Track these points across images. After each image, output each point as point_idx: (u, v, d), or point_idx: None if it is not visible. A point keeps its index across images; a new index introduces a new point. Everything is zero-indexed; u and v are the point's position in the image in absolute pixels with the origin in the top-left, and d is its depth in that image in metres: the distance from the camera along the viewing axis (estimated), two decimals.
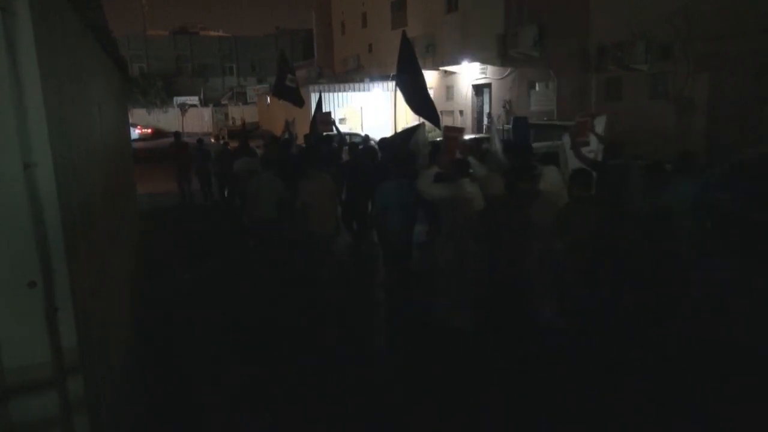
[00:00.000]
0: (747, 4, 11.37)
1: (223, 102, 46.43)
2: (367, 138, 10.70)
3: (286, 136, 10.14)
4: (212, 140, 24.31)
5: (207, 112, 43.22)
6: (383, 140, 9.72)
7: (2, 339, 1.95)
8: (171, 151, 12.91)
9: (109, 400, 2.78)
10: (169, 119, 41.83)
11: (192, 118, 42.02)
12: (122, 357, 3.69)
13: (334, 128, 10.76)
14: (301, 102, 11.02)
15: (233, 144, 13.77)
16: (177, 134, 13.56)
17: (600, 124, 7.98)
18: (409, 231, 5.81)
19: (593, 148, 7.45)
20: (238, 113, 42.57)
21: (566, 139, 7.76)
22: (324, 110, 11.21)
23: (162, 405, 4.34)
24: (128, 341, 4.32)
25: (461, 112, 21.90)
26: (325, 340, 5.30)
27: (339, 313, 5.88)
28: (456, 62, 20.58)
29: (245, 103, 44.99)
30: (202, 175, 12.20)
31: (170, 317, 6.12)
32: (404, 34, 8.82)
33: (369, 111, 24.86)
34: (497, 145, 7.54)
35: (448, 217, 5.17)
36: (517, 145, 7.57)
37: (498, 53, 18.69)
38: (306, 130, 11.29)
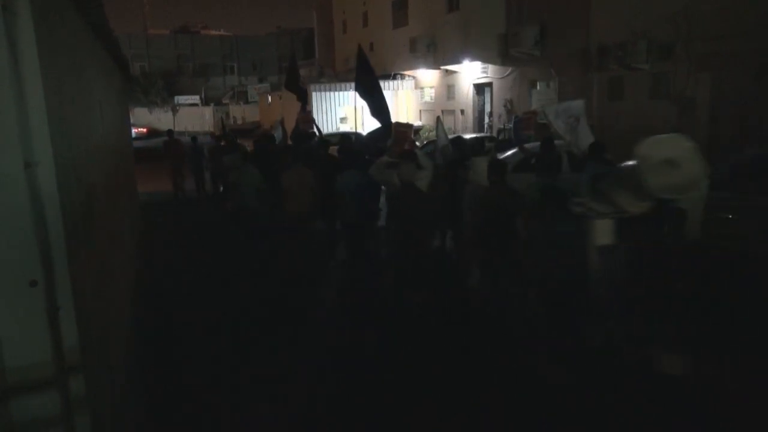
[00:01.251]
0: (748, 4, 11.36)
1: (224, 101, 46.44)
2: (347, 135, 11.40)
3: (275, 133, 10.88)
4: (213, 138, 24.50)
5: (208, 111, 43.23)
6: (358, 138, 10.97)
7: (4, 338, 1.96)
8: (164, 149, 13.48)
9: (110, 399, 2.78)
10: (170, 118, 41.84)
11: (191, 117, 42.03)
12: (123, 356, 3.69)
13: (314, 127, 11.42)
14: (305, 100, 11.94)
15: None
16: (170, 132, 14.24)
17: (576, 109, 8.77)
18: (362, 213, 6.57)
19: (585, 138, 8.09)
20: (239, 112, 42.58)
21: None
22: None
23: (162, 404, 4.34)
24: (129, 340, 4.32)
25: (462, 111, 21.88)
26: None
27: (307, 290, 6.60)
28: (457, 61, 20.57)
29: (246, 102, 44.99)
30: (196, 171, 13.07)
31: (170, 316, 6.12)
32: (360, 49, 9.74)
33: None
34: (445, 141, 8.07)
35: (395, 199, 5.94)
36: (460, 141, 8.47)
37: (499, 52, 18.68)
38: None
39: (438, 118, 10.19)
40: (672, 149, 3.72)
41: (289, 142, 10.56)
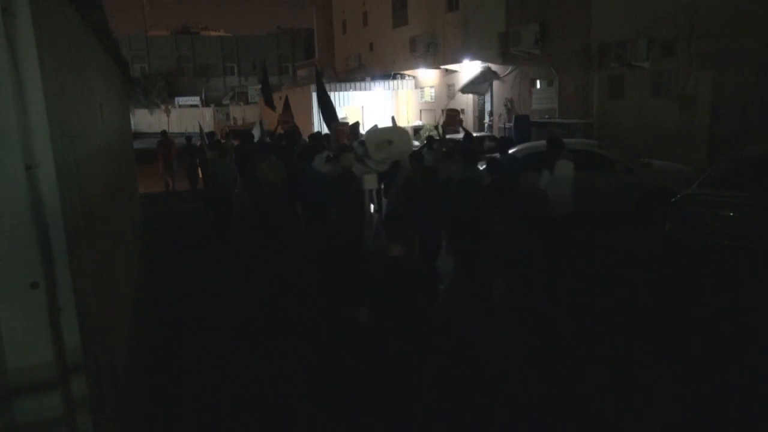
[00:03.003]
0: (750, 2, 11.33)
1: (225, 102, 46.43)
2: (315, 134, 12.89)
3: (254, 131, 12.38)
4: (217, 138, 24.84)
5: (208, 112, 43.22)
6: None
7: (5, 339, 1.96)
8: (158, 148, 15.04)
9: (113, 400, 2.78)
10: (170, 119, 41.84)
11: (191, 118, 42.03)
12: (125, 356, 3.69)
13: (294, 125, 12.68)
14: (273, 107, 13.76)
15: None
16: (164, 133, 15.85)
17: None
18: (321, 198, 7.49)
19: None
20: (240, 113, 42.55)
21: None
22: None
23: (164, 404, 4.34)
24: (131, 340, 4.32)
25: (462, 111, 21.86)
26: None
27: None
28: (457, 61, 20.55)
29: (246, 102, 44.97)
30: (189, 167, 14.72)
31: (172, 315, 6.13)
32: (316, 71, 13.76)
33: (370, 110, 24.85)
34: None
35: (334, 187, 6.79)
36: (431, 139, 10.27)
37: (499, 51, 18.66)
38: (305, 127, 14.08)
39: (392, 117, 11.93)
40: (388, 134, 6.21)
41: (267, 139, 12.02)
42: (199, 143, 13.79)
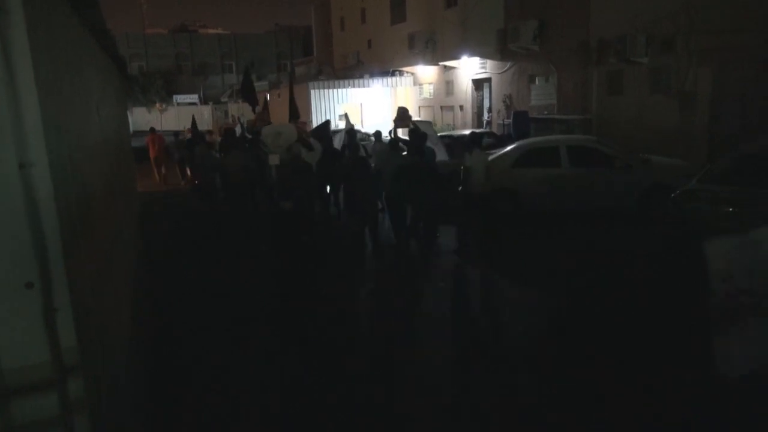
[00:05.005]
0: None
1: (223, 99, 46.30)
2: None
3: (236, 128, 14.22)
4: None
5: (207, 110, 43.12)
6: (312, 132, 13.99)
7: (1, 340, 1.94)
8: (149, 143, 16.81)
9: (110, 399, 2.77)
10: (169, 117, 41.75)
11: (189, 116, 41.95)
12: (123, 356, 3.68)
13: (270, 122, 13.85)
14: (255, 104, 14.35)
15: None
16: (152, 129, 17.81)
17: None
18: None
19: None
20: (238, 111, 42.42)
21: None
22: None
23: (163, 403, 4.33)
24: (129, 340, 4.31)
25: (461, 107, 21.84)
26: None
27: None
28: (456, 57, 20.53)
29: (245, 100, 44.83)
30: (179, 161, 16.26)
31: (170, 314, 6.12)
32: (246, 69, 14.67)
33: (369, 107, 24.82)
34: (349, 127, 12.14)
35: (285, 174, 8.15)
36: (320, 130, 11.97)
37: (498, 48, 18.62)
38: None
39: (345, 114, 13.44)
40: (279, 128, 10.07)
41: (247, 135, 13.27)
42: (181, 137, 15.30)
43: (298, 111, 12.66)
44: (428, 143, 9.92)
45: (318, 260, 8.08)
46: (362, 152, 10.34)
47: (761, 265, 3.28)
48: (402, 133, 11.63)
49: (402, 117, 12.06)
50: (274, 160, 8.96)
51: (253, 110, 13.74)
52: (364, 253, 8.32)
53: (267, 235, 9.05)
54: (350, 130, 11.42)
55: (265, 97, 15.79)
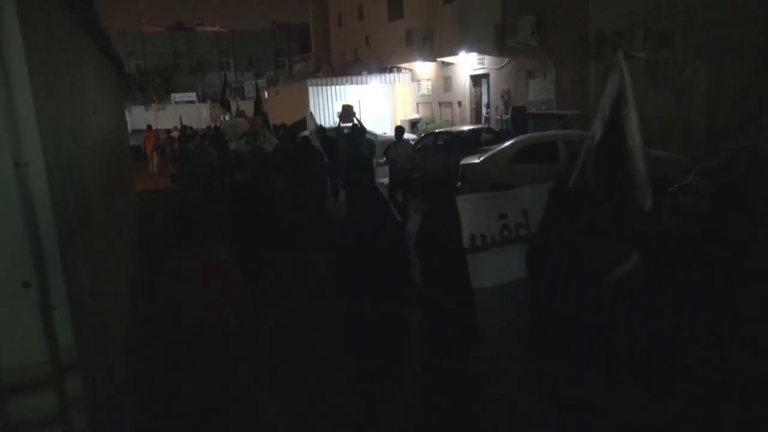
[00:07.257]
0: None
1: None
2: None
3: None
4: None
5: (205, 108, 43.07)
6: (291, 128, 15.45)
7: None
8: (144, 139, 18.75)
9: (108, 398, 2.78)
10: (167, 116, 41.65)
11: (188, 114, 41.87)
12: (121, 354, 3.68)
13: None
14: (229, 108, 17.42)
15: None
16: (149, 127, 19.71)
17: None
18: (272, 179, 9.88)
19: None
20: (236, 108, 42.35)
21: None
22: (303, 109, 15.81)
23: (161, 403, 4.34)
24: (127, 338, 4.31)
25: (459, 103, 21.81)
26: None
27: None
28: (453, 53, 20.48)
29: (243, 98, 44.75)
30: (172, 156, 17.52)
31: (170, 313, 6.11)
32: (225, 77, 18.09)
33: (367, 104, 24.78)
34: (313, 128, 12.48)
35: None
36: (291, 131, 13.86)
37: (496, 43, 18.58)
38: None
39: (310, 113, 14.42)
40: (235, 120, 14.99)
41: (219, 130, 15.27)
42: (176, 134, 17.52)
43: (262, 107, 14.88)
44: (367, 136, 11.76)
45: (276, 230, 8.42)
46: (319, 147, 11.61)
47: (537, 209, 4.51)
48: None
49: (346, 113, 13.51)
50: (233, 146, 12.13)
51: (229, 112, 15.90)
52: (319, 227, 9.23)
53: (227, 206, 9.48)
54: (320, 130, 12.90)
55: (259, 96, 16.80)
